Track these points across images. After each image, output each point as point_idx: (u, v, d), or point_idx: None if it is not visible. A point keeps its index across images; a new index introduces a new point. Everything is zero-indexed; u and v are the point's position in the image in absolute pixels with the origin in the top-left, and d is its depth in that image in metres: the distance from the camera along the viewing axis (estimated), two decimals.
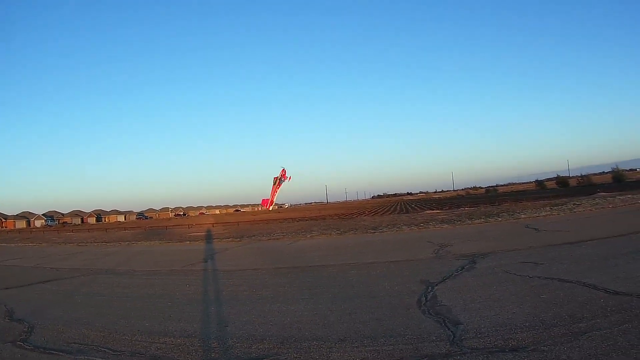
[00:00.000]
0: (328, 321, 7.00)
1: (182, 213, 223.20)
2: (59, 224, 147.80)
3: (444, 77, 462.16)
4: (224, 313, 8.14)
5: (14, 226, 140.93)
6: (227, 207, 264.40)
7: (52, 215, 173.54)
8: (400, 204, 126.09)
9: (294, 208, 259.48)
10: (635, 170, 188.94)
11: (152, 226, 70.91)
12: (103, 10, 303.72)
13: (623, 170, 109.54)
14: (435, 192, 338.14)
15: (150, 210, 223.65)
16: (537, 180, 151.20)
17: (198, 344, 6.35)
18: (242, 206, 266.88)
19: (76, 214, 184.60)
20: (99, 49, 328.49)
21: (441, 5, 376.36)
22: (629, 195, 31.77)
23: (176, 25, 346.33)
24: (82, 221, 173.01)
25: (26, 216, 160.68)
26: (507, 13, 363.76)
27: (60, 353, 6.30)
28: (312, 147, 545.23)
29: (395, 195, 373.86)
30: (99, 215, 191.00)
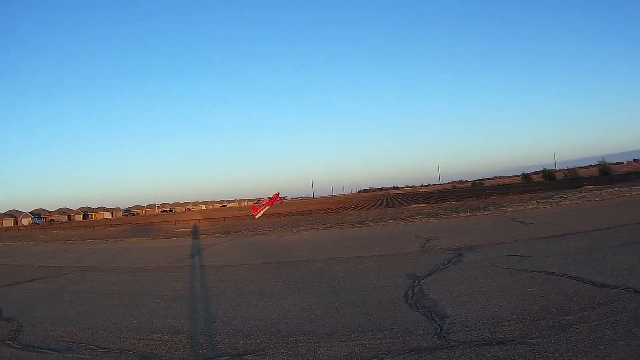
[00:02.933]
0: (315, 316, 7.02)
1: (168, 209, 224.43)
2: (46, 222, 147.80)
3: (430, 71, 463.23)
4: (212, 309, 8.16)
5: (1, 225, 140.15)
6: (213, 202, 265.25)
7: (39, 214, 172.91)
8: (387, 198, 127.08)
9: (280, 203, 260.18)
10: (622, 163, 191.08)
11: (138, 223, 71.62)
12: (85, 6, 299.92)
13: (610, 163, 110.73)
14: (421, 186, 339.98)
15: (137, 206, 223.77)
16: (523, 174, 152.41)
17: (186, 340, 6.35)
18: (229, 202, 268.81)
19: (63, 211, 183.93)
20: (84, 46, 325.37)
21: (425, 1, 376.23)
22: (616, 188, 32.12)
23: (166, 23, 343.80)
24: (69, 219, 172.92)
25: (13, 214, 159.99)
26: (493, 7, 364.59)
27: (49, 351, 6.28)
28: (298, 142, 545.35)
29: (381, 189, 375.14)
30: (85, 212, 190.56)
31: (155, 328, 7.05)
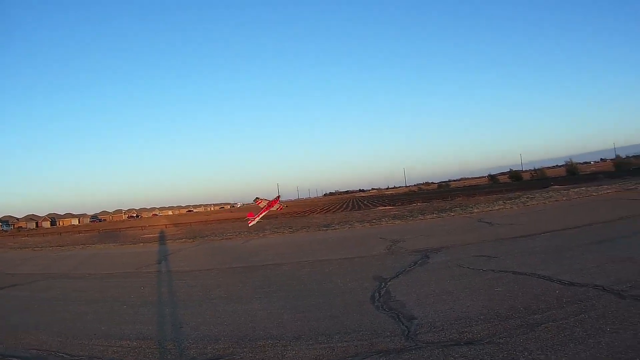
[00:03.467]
0: (282, 320, 7.07)
1: (135, 215, 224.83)
2: (14, 229, 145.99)
3: (393, 72, 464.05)
4: (179, 314, 8.20)
5: None
6: (179, 207, 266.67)
7: (7, 220, 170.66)
8: (353, 201, 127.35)
9: (247, 207, 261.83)
10: (590, 163, 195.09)
11: (105, 229, 71.54)
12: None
13: (577, 163, 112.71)
14: (387, 188, 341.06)
15: (104, 212, 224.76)
16: (489, 175, 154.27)
17: (154, 346, 6.39)
18: (195, 207, 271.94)
19: (31, 218, 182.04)
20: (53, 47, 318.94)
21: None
22: (583, 188, 32.58)
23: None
24: (37, 225, 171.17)
25: None
26: (454, 6, 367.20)
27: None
28: (263, 145, 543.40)
29: (347, 192, 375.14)
30: (53, 219, 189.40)
31: (124, 334, 7.07)
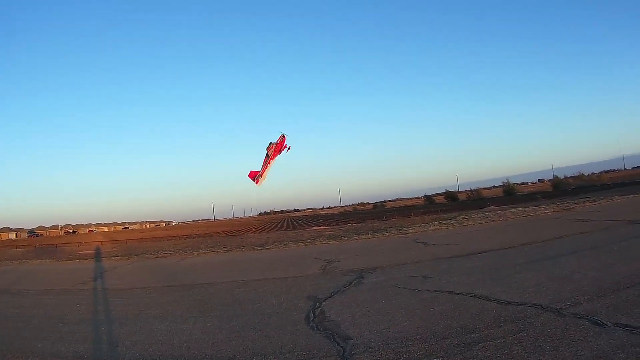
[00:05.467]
0: (217, 339, 7.08)
1: (72, 230, 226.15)
2: None
3: (328, 91, 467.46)
4: (114, 333, 8.15)
5: None
6: (115, 224, 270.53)
7: None
8: (287, 220, 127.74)
9: (182, 225, 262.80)
10: (527, 183, 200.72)
11: (42, 244, 71.67)
12: None
13: (514, 183, 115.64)
14: (322, 208, 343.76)
15: (41, 227, 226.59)
16: (425, 195, 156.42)
17: None
18: (131, 224, 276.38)
19: None
20: None
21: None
22: (520, 208, 33.28)
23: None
24: None
25: None
26: (388, 28, 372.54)
27: None
28: (198, 164, 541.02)
29: (282, 212, 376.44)
30: None
31: (60, 353, 7.09)
